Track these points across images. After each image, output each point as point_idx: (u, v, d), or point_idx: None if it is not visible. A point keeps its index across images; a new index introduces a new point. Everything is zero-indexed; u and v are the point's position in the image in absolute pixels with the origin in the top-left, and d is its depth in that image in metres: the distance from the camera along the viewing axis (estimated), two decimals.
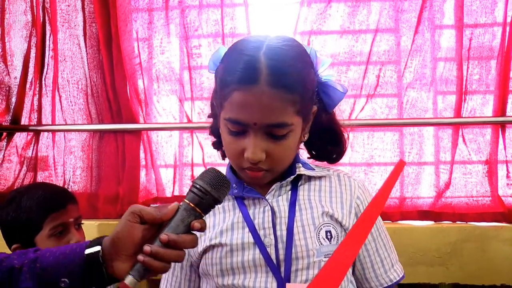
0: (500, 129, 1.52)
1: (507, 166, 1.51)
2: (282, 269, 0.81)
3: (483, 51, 1.53)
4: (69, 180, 1.64)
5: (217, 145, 0.92)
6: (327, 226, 0.84)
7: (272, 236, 0.82)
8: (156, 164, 1.61)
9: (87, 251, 0.70)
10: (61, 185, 1.61)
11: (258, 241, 0.82)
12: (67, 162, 1.65)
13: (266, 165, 0.80)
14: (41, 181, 1.65)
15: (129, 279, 0.68)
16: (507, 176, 1.50)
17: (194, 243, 0.70)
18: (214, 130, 0.91)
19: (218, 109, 0.83)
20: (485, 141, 1.52)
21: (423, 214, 1.52)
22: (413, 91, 1.56)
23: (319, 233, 0.83)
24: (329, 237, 0.83)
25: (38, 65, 1.68)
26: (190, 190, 0.72)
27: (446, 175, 1.52)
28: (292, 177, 0.86)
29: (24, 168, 1.66)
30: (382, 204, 0.50)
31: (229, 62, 0.80)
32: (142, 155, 1.62)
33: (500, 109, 1.51)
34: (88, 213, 1.53)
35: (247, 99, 0.76)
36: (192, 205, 0.70)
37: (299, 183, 0.88)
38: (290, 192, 0.86)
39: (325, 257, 0.82)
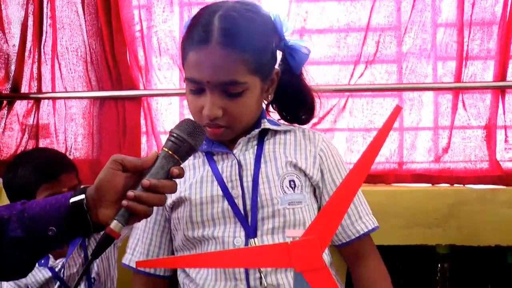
0: (500, 94, 1.52)
1: (505, 131, 1.52)
2: (250, 219, 0.85)
3: (485, 16, 1.52)
4: (71, 147, 1.65)
5: None
6: (290, 175, 0.88)
7: (239, 188, 0.87)
8: (157, 130, 1.62)
9: (72, 199, 0.73)
10: (63, 151, 1.63)
11: (227, 194, 0.87)
12: (68, 129, 1.66)
13: (224, 122, 0.84)
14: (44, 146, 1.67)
15: (114, 224, 0.71)
16: (505, 141, 1.51)
17: (174, 188, 0.74)
18: None
19: (183, 72, 0.88)
20: (485, 106, 1.53)
21: (421, 177, 1.53)
22: (412, 57, 1.56)
23: (282, 182, 0.87)
24: (292, 186, 0.88)
25: (36, 33, 1.67)
26: (168, 139, 0.76)
27: (445, 139, 1.53)
28: (257, 130, 0.90)
29: (26, 136, 1.67)
30: (379, 148, 0.51)
31: (188, 27, 0.86)
32: (142, 121, 1.63)
33: (501, 74, 1.51)
34: (91, 180, 1.51)
35: (200, 58, 0.82)
36: (171, 152, 0.74)
37: (265, 138, 0.92)
38: (256, 146, 0.91)
39: (289, 205, 0.86)
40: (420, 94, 1.56)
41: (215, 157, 0.91)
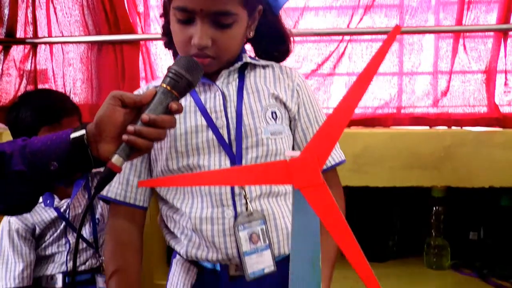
0: (502, 37, 1.50)
1: (505, 74, 1.52)
2: (234, 148, 0.88)
3: None
4: (70, 92, 1.65)
5: (169, 44, 0.95)
6: (273, 107, 0.91)
7: (224, 119, 0.88)
8: (156, 75, 1.61)
9: (73, 135, 0.74)
10: None
11: (211, 124, 0.88)
12: (67, 74, 1.66)
13: (212, 52, 0.85)
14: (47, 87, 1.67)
15: (115, 158, 0.72)
16: (505, 84, 1.52)
17: (173, 123, 0.75)
18: (165, 30, 0.94)
19: (168, 2, 0.87)
20: (486, 50, 1.52)
21: (419, 120, 1.55)
22: (412, 0, 1.53)
23: (265, 113, 0.90)
24: (274, 117, 0.91)
25: None
26: (166, 75, 0.76)
27: (444, 83, 1.53)
28: (240, 63, 0.92)
29: (24, 81, 1.67)
30: (379, 63, 0.51)
31: None
32: (141, 66, 1.62)
33: (504, 18, 1.49)
34: None
35: None
36: (169, 88, 0.75)
37: (246, 72, 0.94)
38: (238, 79, 0.92)
39: (271, 135, 0.89)
40: (420, 38, 1.55)
41: (196, 89, 0.92)
